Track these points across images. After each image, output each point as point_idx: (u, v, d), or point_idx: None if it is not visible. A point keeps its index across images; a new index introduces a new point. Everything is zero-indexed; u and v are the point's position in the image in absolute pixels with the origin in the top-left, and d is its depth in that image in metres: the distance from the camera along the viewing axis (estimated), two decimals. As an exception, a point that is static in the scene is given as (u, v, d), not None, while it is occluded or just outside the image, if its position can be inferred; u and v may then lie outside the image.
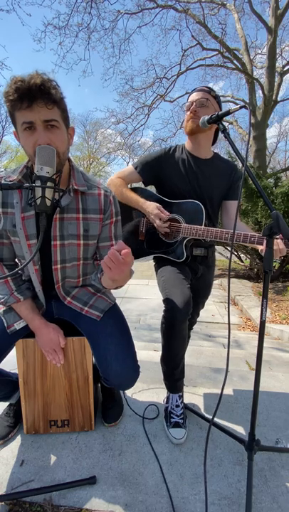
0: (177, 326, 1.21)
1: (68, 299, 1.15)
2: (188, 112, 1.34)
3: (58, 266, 1.07)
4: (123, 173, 1.47)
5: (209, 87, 1.34)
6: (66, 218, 1.02)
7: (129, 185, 1.53)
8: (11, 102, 0.84)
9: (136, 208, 1.42)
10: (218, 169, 1.43)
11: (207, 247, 1.46)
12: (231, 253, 1.05)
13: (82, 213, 1.05)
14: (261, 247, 1.20)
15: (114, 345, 1.10)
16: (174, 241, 1.39)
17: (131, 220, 1.51)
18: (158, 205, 1.34)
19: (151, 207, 1.35)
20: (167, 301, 1.24)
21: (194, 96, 1.33)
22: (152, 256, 1.49)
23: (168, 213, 1.34)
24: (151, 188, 1.53)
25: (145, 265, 1.50)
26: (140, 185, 1.54)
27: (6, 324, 1.10)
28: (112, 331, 1.13)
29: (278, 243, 1.15)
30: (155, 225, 1.35)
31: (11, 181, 0.97)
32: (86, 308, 1.15)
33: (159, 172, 1.41)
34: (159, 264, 1.47)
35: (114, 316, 1.20)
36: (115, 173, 1.51)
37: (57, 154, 0.88)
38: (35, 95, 0.82)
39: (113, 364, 1.08)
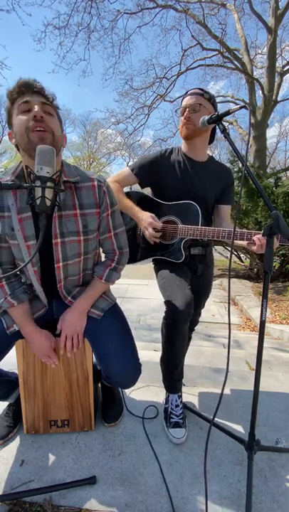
0: (178, 327, 1.21)
1: (69, 298, 1.15)
2: (182, 118, 1.34)
3: (61, 264, 1.06)
4: (119, 176, 1.46)
5: (202, 89, 1.33)
6: (64, 216, 1.02)
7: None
8: (11, 96, 0.93)
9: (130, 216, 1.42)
10: (213, 172, 1.44)
11: (204, 246, 1.47)
12: (231, 253, 1.05)
13: (80, 209, 1.04)
14: (254, 248, 1.20)
15: (115, 343, 1.11)
16: (172, 242, 1.39)
17: (126, 224, 1.51)
18: (152, 214, 1.34)
19: (145, 216, 1.34)
20: (168, 303, 1.23)
21: (187, 100, 1.32)
22: (151, 258, 1.49)
23: (161, 224, 1.34)
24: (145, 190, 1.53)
25: (145, 266, 1.51)
26: (135, 186, 1.54)
27: (5, 325, 1.09)
28: (112, 330, 1.13)
29: (260, 239, 1.15)
30: (146, 233, 1.33)
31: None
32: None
33: (156, 174, 1.41)
34: (159, 266, 1.47)
35: (115, 315, 1.20)
36: (112, 175, 1.50)
37: (50, 141, 0.91)
38: (34, 89, 0.93)
39: (114, 362, 1.08)
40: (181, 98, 1.39)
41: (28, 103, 0.91)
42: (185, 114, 1.32)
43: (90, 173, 1.10)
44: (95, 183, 1.06)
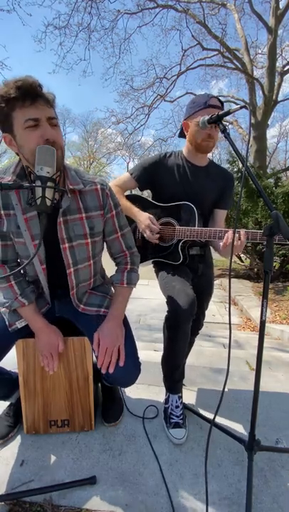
0: (181, 327, 1.21)
1: (82, 306, 1.16)
2: (206, 132, 1.26)
3: (72, 269, 1.08)
4: (119, 180, 1.48)
5: (221, 101, 1.28)
6: (70, 220, 1.03)
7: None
8: (11, 101, 0.83)
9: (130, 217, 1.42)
10: (213, 175, 1.44)
11: (202, 246, 1.47)
12: (232, 253, 1.05)
13: (85, 212, 1.06)
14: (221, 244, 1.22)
15: None
16: (170, 244, 1.39)
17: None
18: (150, 216, 1.34)
19: (143, 217, 1.35)
20: (170, 303, 1.23)
21: (213, 112, 1.17)
22: (151, 260, 1.49)
23: (159, 226, 1.35)
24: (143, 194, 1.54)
25: (145, 267, 1.52)
26: (137, 190, 1.54)
27: (7, 322, 1.10)
28: None
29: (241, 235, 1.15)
30: (145, 235, 1.34)
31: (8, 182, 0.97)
32: (103, 309, 1.16)
33: (154, 177, 1.42)
34: (159, 267, 1.48)
35: None
36: (112, 181, 1.51)
37: (57, 153, 0.88)
38: (38, 94, 0.86)
39: None
40: (202, 105, 1.25)
41: (36, 121, 0.86)
42: (211, 130, 1.26)
43: (91, 177, 1.10)
44: (98, 186, 1.08)
